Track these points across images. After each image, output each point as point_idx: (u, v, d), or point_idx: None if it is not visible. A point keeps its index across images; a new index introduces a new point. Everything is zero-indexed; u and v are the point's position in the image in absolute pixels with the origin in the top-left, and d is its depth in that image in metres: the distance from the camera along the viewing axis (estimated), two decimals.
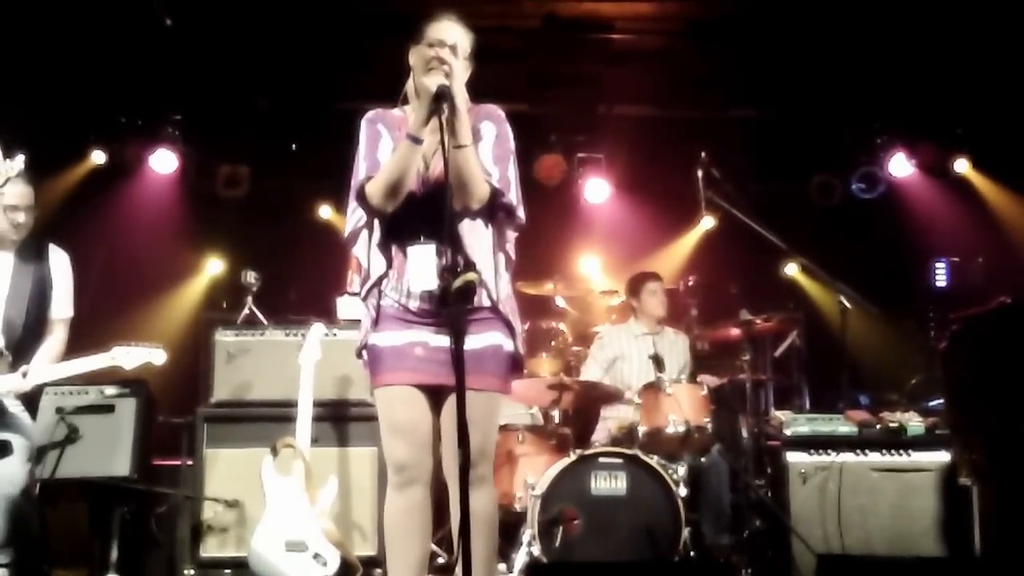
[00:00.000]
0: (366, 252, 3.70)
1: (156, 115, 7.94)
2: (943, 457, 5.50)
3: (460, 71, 3.59)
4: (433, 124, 3.44)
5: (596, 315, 7.08)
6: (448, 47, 3.57)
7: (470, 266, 3.34)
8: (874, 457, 5.53)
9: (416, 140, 3.48)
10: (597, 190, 8.40)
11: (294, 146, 8.29)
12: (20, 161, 3.66)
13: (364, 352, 3.70)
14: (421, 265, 3.55)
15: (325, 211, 8.51)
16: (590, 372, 6.42)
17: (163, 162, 7.97)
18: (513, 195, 3.66)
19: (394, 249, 3.63)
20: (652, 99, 8.27)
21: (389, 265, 3.63)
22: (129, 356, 4.94)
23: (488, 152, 3.64)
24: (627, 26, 7.48)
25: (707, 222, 8.12)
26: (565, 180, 8.33)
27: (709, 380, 6.23)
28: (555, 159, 8.17)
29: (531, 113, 7.79)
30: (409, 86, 3.70)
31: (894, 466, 5.51)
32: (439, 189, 3.46)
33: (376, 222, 3.66)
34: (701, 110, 8.12)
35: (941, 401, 5.98)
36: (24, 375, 4.62)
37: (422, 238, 3.55)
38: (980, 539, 5.27)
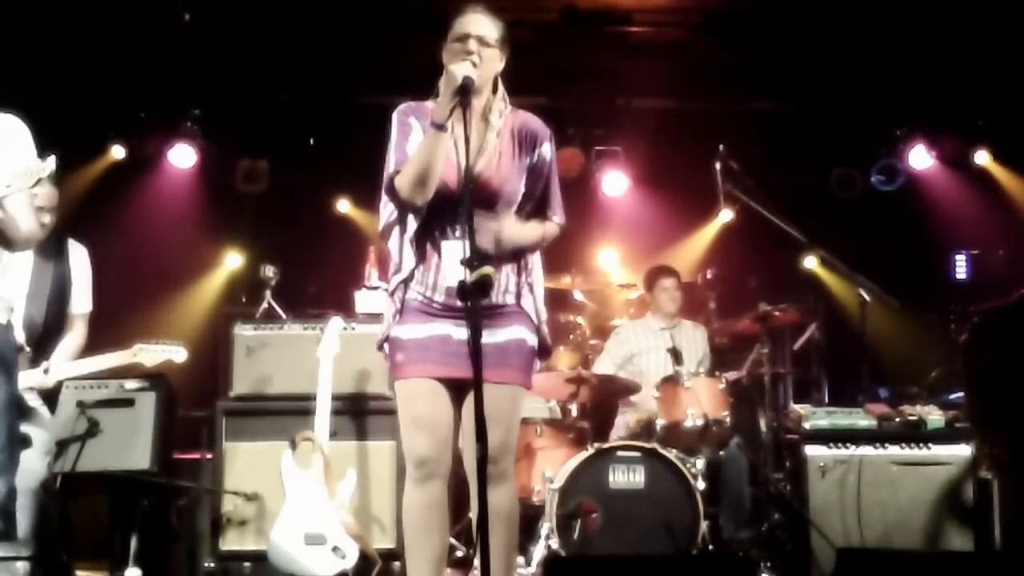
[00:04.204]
0: (398, 246, 3.68)
1: (175, 110, 7.96)
2: (963, 451, 5.47)
3: (492, 61, 3.59)
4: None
5: (614, 308, 7.07)
6: (474, 38, 3.56)
7: (487, 260, 3.34)
8: (894, 451, 5.50)
9: (440, 128, 3.45)
10: (615, 183, 8.39)
11: (312, 140, 8.30)
12: (52, 162, 3.64)
13: (385, 344, 3.70)
14: (453, 260, 3.56)
15: (344, 205, 8.52)
16: (602, 366, 6.41)
17: (182, 157, 8.00)
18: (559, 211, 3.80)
19: (426, 243, 3.63)
20: (670, 92, 8.24)
21: (420, 258, 3.63)
22: (151, 354, 4.99)
23: (551, 179, 3.75)
24: (645, 19, 7.45)
25: (726, 215, 8.11)
26: (583, 173, 8.32)
27: (730, 375, 6.22)
28: (573, 152, 8.16)
29: (549, 106, 7.75)
30: (440, 81, 3.68)
31: (914, 460, 5.48)
32: (478, 182, 3.46)
33: (410, 216, 3.65)
34: (720, 103, 8.08)
35: (962, 394, 5.95)
36: (46, 371, 4.65)
37: (457, 232, 3.55)
38: (1001, 532, 5.25)
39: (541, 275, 3.80)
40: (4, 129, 3.80)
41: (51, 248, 4.80)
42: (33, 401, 4.56)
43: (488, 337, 3.38)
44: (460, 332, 3.56)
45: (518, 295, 3.69)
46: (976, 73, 7.43)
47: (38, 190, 4.19)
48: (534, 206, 3.75)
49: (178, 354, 5.06)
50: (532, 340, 3.69)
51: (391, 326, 3.66)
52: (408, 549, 3.68)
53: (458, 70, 3.42)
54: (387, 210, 3.67)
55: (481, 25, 3.59)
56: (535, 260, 3.77)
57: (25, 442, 4.34)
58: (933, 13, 6.91)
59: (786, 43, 7.42)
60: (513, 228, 3.65)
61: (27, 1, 6.52)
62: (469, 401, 3.55)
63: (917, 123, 8.26)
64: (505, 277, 3.65)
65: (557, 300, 6.40)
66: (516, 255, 3.69)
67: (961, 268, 7.85)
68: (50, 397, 4.72)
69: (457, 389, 3.62)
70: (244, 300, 7.08)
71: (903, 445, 5.51)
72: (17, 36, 6.59)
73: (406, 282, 3.64)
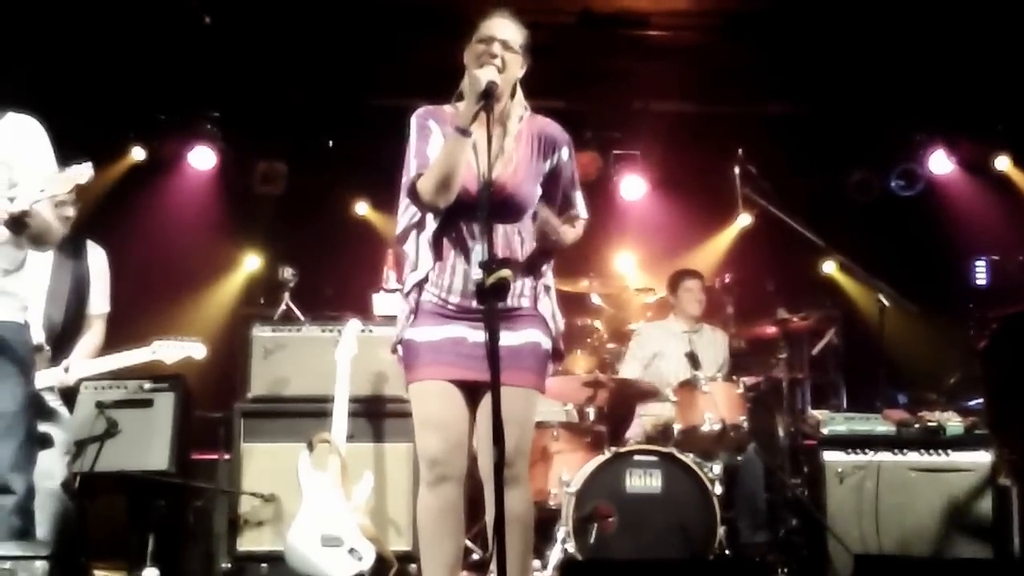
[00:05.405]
0: (415, 247, 3.69)
1: (195, 112, 7.99)
2: (982, 457, 5.44)
3: (514, 66, 3.60)
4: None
5: (631, 312, 7.05)
6: (499, 42, 3.57)
7: (504, 263, 3.34)
8: (912, 457, 5.48)
9: (464, 132, 3.45)
10: (633, 187, 8.38)
11: (331, 143, 8.32)
12: (89, 168, 3.66)
13: (399, 347, 3.71)
14: (473, 262, 3.56)
15: (362, 207, 8.54)
16: (629, 369, 6.40)
17: (201, 159, 8.03)
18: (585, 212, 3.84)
19: (443, 245, 3.64)
20: (688, 95, 8.22)
21: (437, 260, 3.63)
22: (169, 350, 4.99)
23: (571, 182, 3.78)
24: (662, 22, 7.43)
25: (744, 219, 8.09)
26: (600, 177, 8.31)
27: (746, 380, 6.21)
28: (590, 156, 8.14)
29: (566, 109, 7.72)
30: (464, 84, 3.69)
31: (932, 466, 5.46)
32: (496, 187, 3.47)
33: (429, 218, 3.66)
34: (737, 106, 8.07)
35: (981, 400, 5.92)
36: (66, 370, 4.68)
37: (476, 235, 3.56)
38: (1020, 540, 5.22)
39: (552, 279, 3.81)
40: (30, 133, 3.83)
41: (70, 249, 4.83)
42: (53, 401, 4.58)
43: (503, 340, 3.37)
44: (475, 334, 3.56)
45: (534, 299, 3.70)
46: (996, 78, 7.39)
47: (70, 196, 4.24)
48: (558, 209, 3.75)
49: (197, 350, 5.05)
50: (547, 343, 3.70)
51: (405, 328, 3.67)
52: (423, 552, 3.68)
53: (483, 75, 3.44)
54: (407, 214, 3.69)
55: (507, 29, 3.61)
56: (549, 264, 3.78)
57: (46, 442, 4.37)
58: (952, 17, 6.87)
59: (803, 46, 7.39)
60: (561, 225, 3.68)
61: (48, 3, 6.55)
62: (484, 404, 3.56)
63: (936, 127, 8.22)
64: (521, 281, 3.65)
65: (574, 304, 6.40)
66: (541, 260, 3.69)
67: (981, 273, 7.80)
68: (69, 397, 4.74)
69: (471, 391, 3.62)
70: (262, 302, 7.10)
71: (922, 451, 5.49)
72: (38, 38, 6.63)
73: (421, 284, 3.65)
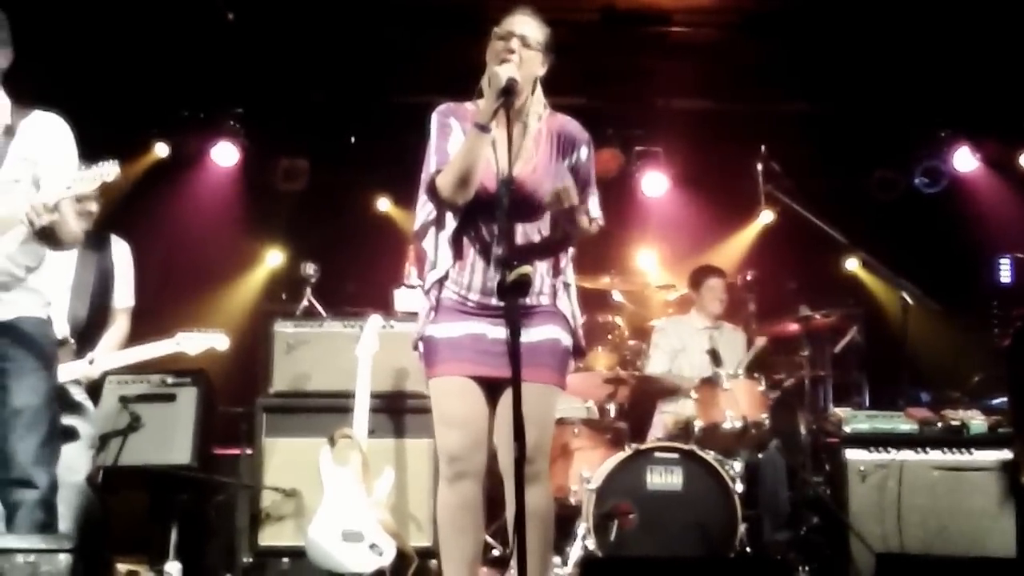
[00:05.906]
0: (434, 245, 3.71)
1: (218, 109, 8.03)
2: (1006, 456, 5.41)
3: (533, 63, 3.60)
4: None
5: (653, 309, 7.05)
6: (517, 38, 3.57)
7: (524, 260, 3.35)
8: (935, 455, 5.45)
9: (483, 129, 3.46)
10: (655, 183, 8.36)
11: (353, 139, 8.34)
12: (116, 166, 3.69)
13: (420, 344, 3.72)
14: (491, 260, 3.57)
15: (383, 203, 8.56)
16: (657, 362, 6.38)
17: (224, 155, 8.06)
18: (599, 212, 3.78)
19: (462, 242, 3.65)
20: (710, 93, 8.20)
21: (457, 258, 3.65)
22: (193, 341, 5.00)
23: (588, 182, 3.75)
24: (684, 19, 7.41)
25: (766, 216, 8.07)
26: (622, 173, 8.30)
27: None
28: (612, 152, 8.14)
29: (588, 106, 7.73)
30: (484, 81, 3.69)
31: (955, 465, 5.43)
32: (515, 184, 3.48)
33: (448, 215, 3.67)
34: (760, 104, 8.04)
35: (1004, 399, 5.89)
36: (91, 362, 4.71)
37: (496, 233, 3.56)
38: None
39: (573, 276, 3.81)
40: (55, 131, 3.86)
41: (94, 243, 4.86)
42: (78, 395, 4.61)
43: (522, 336, 3.38)
44: (495, 331, 3.58)
45: (553, 295, 3.70)
46: (1021, 75, 7.33)
47: (94, 194, 4.27)
48: None
49: (220, 340, 5.06)
50: (567, 340, 3.71)
51: (426, 324, 3.69)
52: (443, 548, 3.70)
53: (503, 71, 3.44)
54: (425, 210, 3.70)
55: (525, 26, 3.62)
56: (568, 262, 3.79)
57: (71, 435, 4.41)
58: (977, 13, 6.83)
59: (826, 43, 7.36)
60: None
61: (72, 0, 6.60)
62: (503, 400, 3.57)
63: (960, 124, 8.17)
64: (540, 278, 3.66)
65: (596, 300, 6.39)
66: (551, 251, 3.69)
67: (1005, 271, 7.75)
68: (94, 390, 4.77)
69: (491, 388, 3.64)
70: (284, 297, 7.11)
71: (944, 450, 5.46)
72: (62, 35, 6.66)
73: (441, 281, 3.66)
